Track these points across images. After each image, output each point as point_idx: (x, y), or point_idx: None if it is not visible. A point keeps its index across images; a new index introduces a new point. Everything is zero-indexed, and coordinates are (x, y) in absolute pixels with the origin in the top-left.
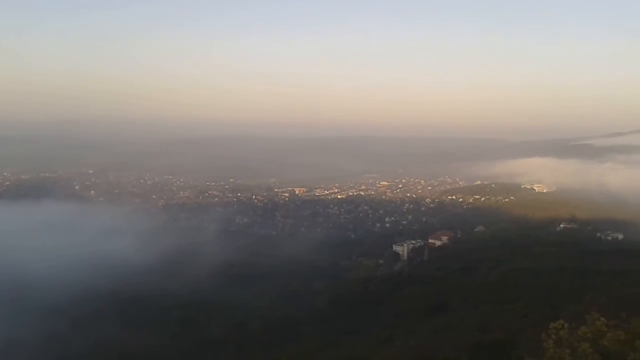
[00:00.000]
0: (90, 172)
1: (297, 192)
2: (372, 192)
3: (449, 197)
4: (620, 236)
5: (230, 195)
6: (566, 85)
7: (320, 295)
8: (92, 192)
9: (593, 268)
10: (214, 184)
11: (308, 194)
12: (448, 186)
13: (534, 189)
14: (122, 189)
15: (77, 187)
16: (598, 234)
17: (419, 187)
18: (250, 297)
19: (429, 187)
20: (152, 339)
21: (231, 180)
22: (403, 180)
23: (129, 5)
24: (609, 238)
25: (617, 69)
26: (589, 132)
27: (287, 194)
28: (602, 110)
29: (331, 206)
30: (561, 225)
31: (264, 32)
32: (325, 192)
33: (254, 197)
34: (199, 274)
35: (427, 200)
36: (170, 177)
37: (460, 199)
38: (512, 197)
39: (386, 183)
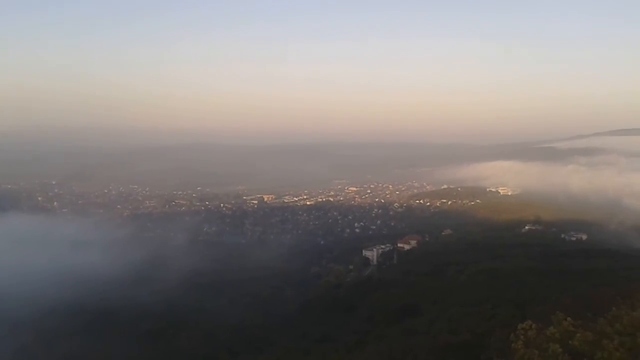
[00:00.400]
0: (54, 182)
1: (265, 199)
2: (341, 198)
3: (417, 201)
4: (584, 237)
5: (197, 203)
6: (529, 90)
7: (290, 303)
8: (56, 203)
9: (558, 269)
10: (180, 192)
11: (277, 201)
12: (416, 190)
13: (499, 192)
14: (86, 200)
15: (40, 199)
16: (562, 235)
17: (387, 192)
18: (219, 307)
19: (397, 192)
20: (119, 352)
21: (198, 188)
22: (372, 186)
23: (88, 8)
24: (573, 239)
25: (578, 73)
26: (551, 135)
27: (255, 202)
28: (564, 114)
29: (300, 213)
30: (526, 227)
31: (227, 37)
32: (294, 198)
33: (222, 205)
34: (167, 285)
35: (396, 204)
36: (136, 186)
37: (428, 203)
38: (478, 200)
39: (355, 189)
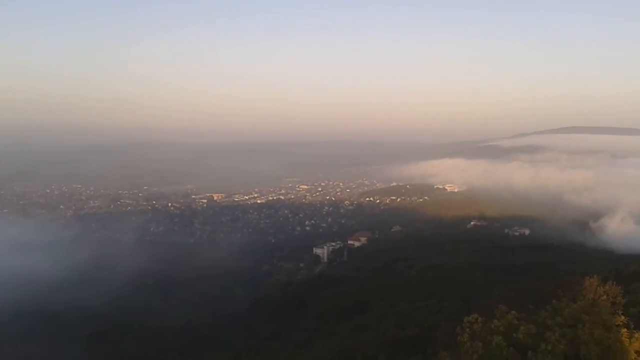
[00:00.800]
0: None
1: (215, 198)
2: (292, 196)
3: (367, 198)
4: (527, 232)
5: (144, 203)
6: (474, 90)
7: (240, 302)
8: None
9: (502, 263)
10: (126, 192)
11: (227, 199)
12: (366, 188)
13: (446, 189)
14: (27, 200)
15: None
16: (506, 230)
17: (338, 190)
18: (168, 307)
19: (348, 190)
20: (64, 356)
21: (145, 187)
22: (322, 184)
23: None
24: (516, 234)
25: (520, 73)
26: (495, 133)
27: (205, 201)
28: (507, 113)
29: (251, 211)
30: (472, 223)
31: (179, 35)
32: (245, 197)
33: (169, 204)
34: (112, 286)
35: (346, 202)
36: (80, 186)
37: (378, 201)
38: (426, 197)
39: (306, 186)
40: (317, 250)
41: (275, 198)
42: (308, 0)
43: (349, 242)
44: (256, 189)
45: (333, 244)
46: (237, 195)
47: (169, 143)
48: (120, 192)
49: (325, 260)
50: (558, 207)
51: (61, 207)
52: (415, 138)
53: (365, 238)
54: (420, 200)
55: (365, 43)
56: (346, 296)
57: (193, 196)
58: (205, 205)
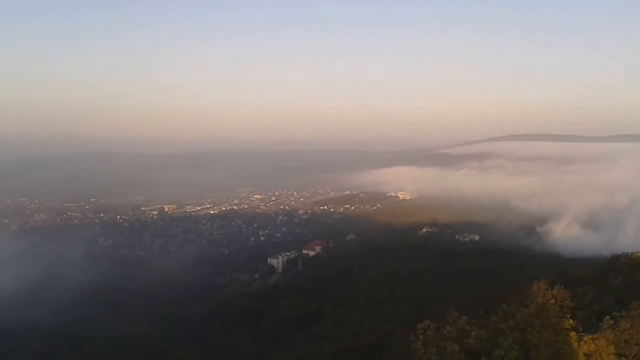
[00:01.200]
0: None
1: (166, 209)
2: (246, 206)
3: (321, 207)
4: (477, 237)
5: (91, 216)
6: (424, 98)
7: (193, 315)
8: None
9: (454, 268)
10: (72, 204)
11: (178, 210)
12: (320, 197)
13: (398, 197)
14: None
15: None
16: (457, 236)
17: (292, 199)
18: (118, 322)
19: (302, 199)
20: None
21: (92, 200)
22: (276, 193)
23: None
24: (467, 239)
25: (467, 81)
26: (444, 141)
27: (155, 212)
28: (456, 121)
29: (203, 222)
30: (424, 230)
31: (116, 42)
32: (197, 208)
33: (118, 216)
34: (61, 301)
35: (300, 211)
36: (24, 199)
37: (332, 209)
38: (379, 205)
39: (259, 196)
40: (272, 261)
41: (228, 208)
42: (241, 2)
43: (304, 251)
44: (208, 200)
45: (288, 253)
46: (189, 206)
47: (117, 154)
48: (67, 204)
49: (280, 270)
50: (506, 212)
51: (5, 221)
52: (366, 146)
53: (319, 247)
54: (374, 208)
55: (316, 51)
56: (301, 306)
57: (143, 208)
58: (155, 216)
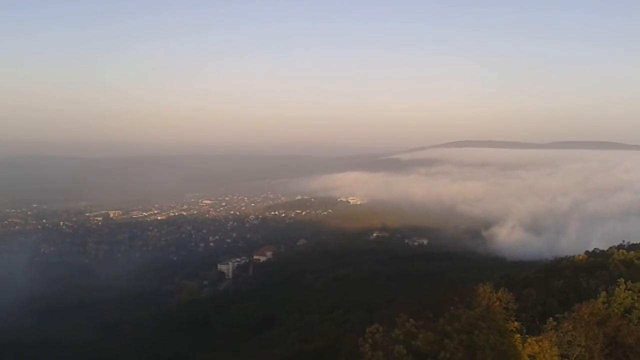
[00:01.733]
0: None
1: (111, 215)
2: (195, 212)
3: (272, 212)
4: (425, 241)
5: (33, 222)
6: (373, 105)
7: (141, 324)
8: None
9: (403, 272)
10: (14, 210)
11: (124, 216)
12: (271, 202)
13: (349, 202)
14: None
15: None
16: (406, 241)
17: (242, 205)
18: (62, 333)
19: (253, 204)
20: None
21: (34, 205)
22: (226, 198)
23: None
24: (416, 244)
25: (418, 89)
26: (395, 147)
27: (100, 218)
28: (406, 127)
29: (151, 228)
30: (374, 234)
31: (61, 40)
32: (144, 213)
33: (61, 223)
34: (1, 311)
35: (251, 217)
36: None
37: (283, 214)
38: (330, 210)
39: (209, 202)
40: (222, 267)
41: (176, 214)
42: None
43: (255, 257)
44: (156, 205)
45: (238, 259)
46: (135, 212)
47: (59, 158)
48: (7, 210)
49: (231, 276)
50: (452, 217)
51: None
52: (317, 152)
53: (271, 252)
54: (325, 213)
55: (266, 56)
56: (252, 312)
57: (87, 214)
58: (100, 223)
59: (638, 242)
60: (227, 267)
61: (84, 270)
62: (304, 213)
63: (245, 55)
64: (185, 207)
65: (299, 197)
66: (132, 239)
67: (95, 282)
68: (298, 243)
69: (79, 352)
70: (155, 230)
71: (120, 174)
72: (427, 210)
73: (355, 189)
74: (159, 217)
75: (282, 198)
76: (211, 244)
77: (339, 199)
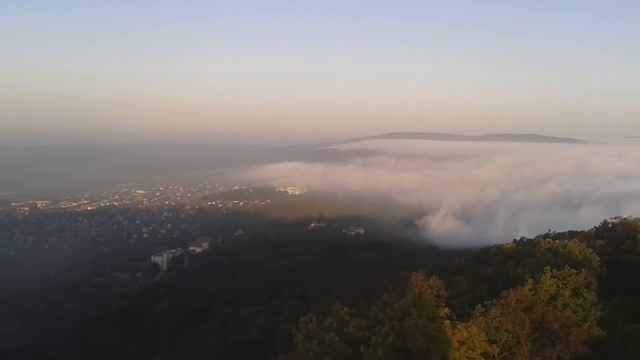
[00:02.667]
0: None
1: (39, 205)
2: (127, 202)
3: (209, 203)
4: (362, 231)
5: None
6: (310, 95)
7: (71, 317)
8: None
9: (340, 262)
10: None
11: (52, 207)
12: (207, 192)
13: (288, 192)
14: None
15: None
16: (343, 230)
17: (178, 195)
18: None
19: (189, 194)
20: None
21: None
22: (161, 188)
23: None
24: (353, 233)
25: (357, 81)
26: (333, 138)
27: (27, 208)
28: (343, 119)
29: (80, 219)
30: (312, 224)
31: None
32: (73, 203)
33: None
34: None
35: (187, 207)
36: None
37: (220, 205)
38: (268, 201)
39: (142, 191)
40: (156, 258)
41: (108, 204)
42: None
43: (190, 248)
44: (86, 195)
45: (173, 250)
46: (64, 202)
47: None
48: None
49: (165, 268)
50: (388, 207)
51: None
52: (255, 142)
53: (207, 243)
54: (263, 203)
55: (207, 47)
56: (187, 304)
57: (13, 204)
58: (27, 213)
59: (563, 231)
60: (161, 259)
61: (10, 261)
62: (241, 203)
63: (185, 44)
64: (116, 197)
65: (237, 187)
66: (61, 230)
67: (23, 273)
68: (235, 234)
69: (6, 346)
70: (85, 221)
71: (48, 163)
72: (363, 201)
73: (293, 179)
74: (89, 208)
75: (219, 188)
76: (144, 235)
77: (277, 189)
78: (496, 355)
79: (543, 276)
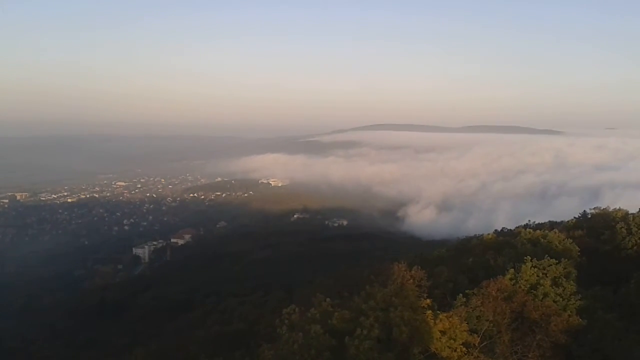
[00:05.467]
0: None
1: (18, 197)
2: (108, 194)
3: (191, 194)
4: (345, 222)
5: None
6: (293, 87)
7: (51, 310)
8: None
9: (323, 253)
10: None
11: (32, 199)
12: (190, 184)
13: (270, 184)
14: None
15: None
16: (326, 222)
17: (159, 186)
18: None
19: (170, 186)
20: None
21: None
22: (142, 180)
23: None
24: (336, 225)
25: (341, 72)
26: (314, 130)
27: (6, 200)
28: (325, 110)
29: (60, 211)
30: (295, 216)
31: None
32: (53, 195)
33: None
34: None
35: (169, 199)
36: None
37: (202, 196)
38: (251, 192)
39: (123, 183)
40: (137, 251)
41: (88, 196)
42: None
43: (173, 240)
44: (66, 187)
45: (155, 243)
46: (44, 194)
47: None
48: None
49: (147, 260)
50: (370, 198)
51: None
52: (237, 133)
53: (189, 235)
54: (246, 195)
55: (187, 38)
56: (170, 296)
57: None
58: (6, 205)
59: (544, 222)
60: (143, 251)
61: None
62: (224, 195)
63: (169, 37)
64: (97, 189)
65: (219, 179)
66: (41, 222)
67: (2, 266)
68: (218, 225)
69: None
70: (65, 213)
71: (27, 155)
72: (346, 192)
73: (276, 170)
74: (69, 200)
75: (202, 180)
76: (126, 227)
77: (259, 181)
78: (477, 345)
79: (523, 266)
